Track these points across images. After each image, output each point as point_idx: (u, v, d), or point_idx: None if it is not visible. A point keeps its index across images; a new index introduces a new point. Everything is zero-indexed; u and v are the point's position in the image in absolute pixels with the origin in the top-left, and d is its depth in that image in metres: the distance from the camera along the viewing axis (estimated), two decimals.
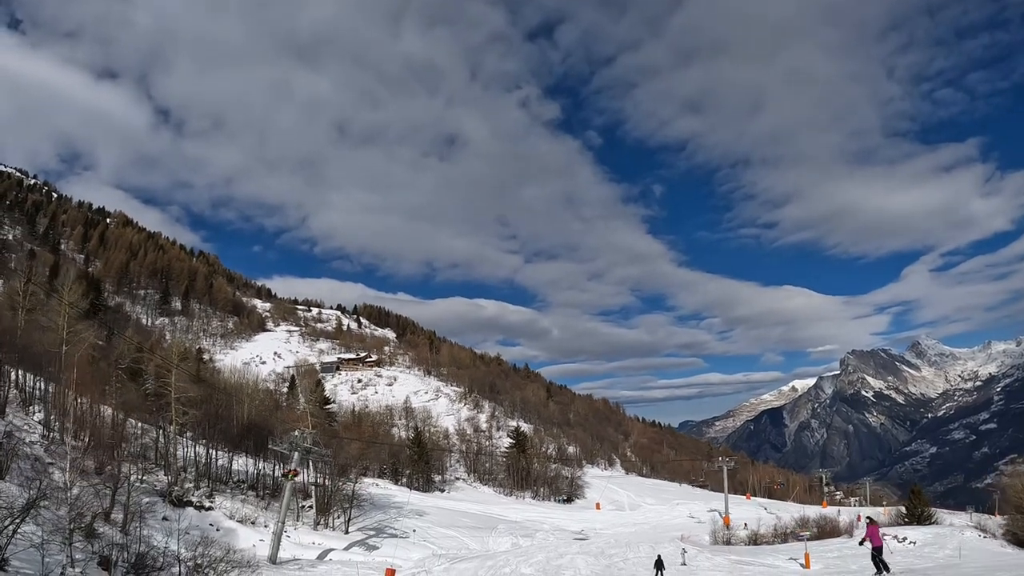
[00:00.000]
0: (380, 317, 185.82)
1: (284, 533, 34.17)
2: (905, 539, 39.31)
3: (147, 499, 32.87)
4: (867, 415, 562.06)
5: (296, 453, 31.37)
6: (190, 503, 34.22)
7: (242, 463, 43.98)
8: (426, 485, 68.37)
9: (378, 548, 35.39)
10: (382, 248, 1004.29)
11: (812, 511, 57.54)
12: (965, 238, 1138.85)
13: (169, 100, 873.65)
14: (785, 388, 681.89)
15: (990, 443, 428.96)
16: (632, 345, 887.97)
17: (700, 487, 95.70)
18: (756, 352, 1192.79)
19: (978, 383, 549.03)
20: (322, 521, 38.70)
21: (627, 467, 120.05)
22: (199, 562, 19.21)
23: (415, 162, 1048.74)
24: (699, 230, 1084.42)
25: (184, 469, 39.14)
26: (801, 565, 30.40)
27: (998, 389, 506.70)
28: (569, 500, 73.85)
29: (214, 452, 41.83)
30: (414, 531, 41.19)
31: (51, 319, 43.55)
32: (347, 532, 37.93)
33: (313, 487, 40.86)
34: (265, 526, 34.15)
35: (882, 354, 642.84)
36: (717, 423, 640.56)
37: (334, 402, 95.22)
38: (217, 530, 33.02)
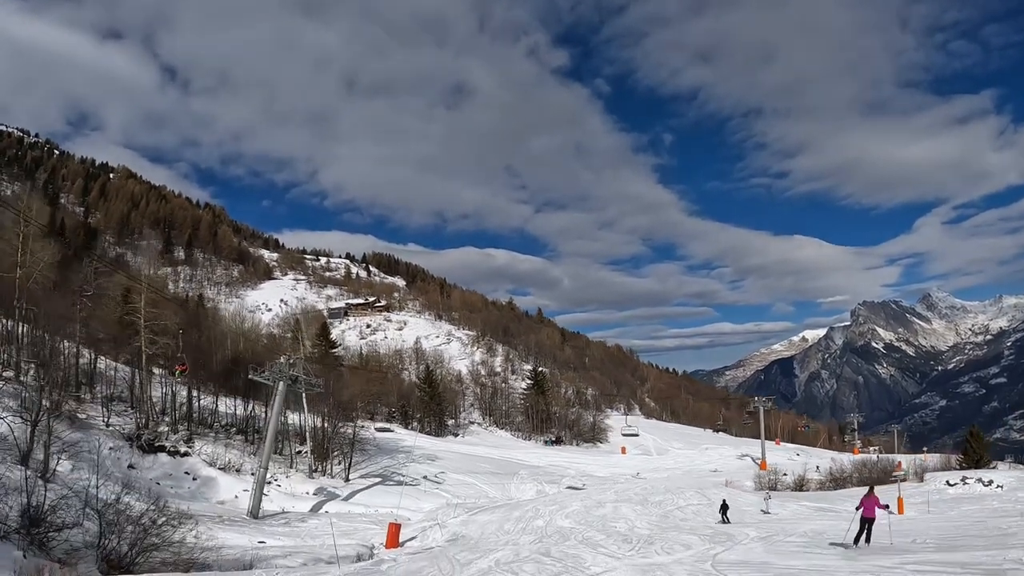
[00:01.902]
0: (390, 265, 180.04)
1: (274, 482, 29.39)
2: (991, 483, 34.44)
3: (111, 443, 28.06)
4: (877, 366, 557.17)
5: (281, 383, 26.03)
6: (163, 448, 29.36)
7: (230, 405, 39.10)
8: (438, 429, 64.10)
9: (383, 497, 30.58)
10: (392, 199, 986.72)
11: (859, 457, 52.77)
12: (978, 191, 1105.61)
13: (175, 58, 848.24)
14: (796, 338, 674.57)
15: (1000, 397, 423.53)
16: (643, 294, 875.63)
17: (721, 431, 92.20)
18: (767, 302, 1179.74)
19: (988, 337, 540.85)
20: (319, 468, 33.93)
21: (646, 412, 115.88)
22: (151, 518, 14.03)
23: (423, 112, 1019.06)
24: (710, 179, 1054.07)
25: (163, 412, 34.26)
26: (890, 512, 25.12)
27: (1008, 343, 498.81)
28: (558, 442, 68.74)
29: (196, 392, 36.83)
30: (425, 478, 36.49)
31: (10, 243, 38.22)
32: (348, 480, 33.23)
33: (309, 430, 35.94)
34: (252, 474, 29.27)
35: (893, 306, 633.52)
36: (728, 372, 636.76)
37: (341, 346, 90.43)
38: (194, 479, 28.32)
